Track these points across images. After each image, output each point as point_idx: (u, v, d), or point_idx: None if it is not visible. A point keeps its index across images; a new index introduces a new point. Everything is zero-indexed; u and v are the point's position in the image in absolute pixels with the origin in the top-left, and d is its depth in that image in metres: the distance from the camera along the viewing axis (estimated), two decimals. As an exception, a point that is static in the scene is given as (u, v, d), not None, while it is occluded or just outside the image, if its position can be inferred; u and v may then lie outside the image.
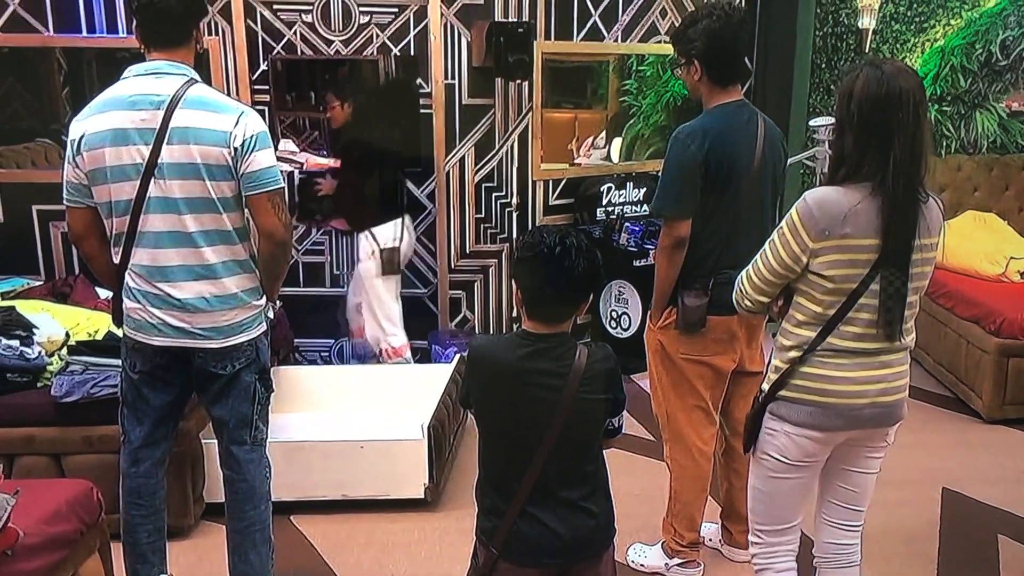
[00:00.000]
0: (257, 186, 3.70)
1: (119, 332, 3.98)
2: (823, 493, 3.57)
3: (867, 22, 8.01)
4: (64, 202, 3.80)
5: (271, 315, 4.05)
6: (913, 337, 3.31)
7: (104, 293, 5.57)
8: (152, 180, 3.62)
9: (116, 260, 3.79)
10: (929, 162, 3.13)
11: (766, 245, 3.27)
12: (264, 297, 3.95)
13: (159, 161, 3.61)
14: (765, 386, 3.38)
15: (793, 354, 3.26)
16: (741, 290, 3.40)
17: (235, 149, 3.63)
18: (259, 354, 3.97)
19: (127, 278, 3.78)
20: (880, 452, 3.47)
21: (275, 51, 6.49)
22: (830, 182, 3.15)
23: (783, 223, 3.20)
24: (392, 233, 6.34)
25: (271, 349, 4.29)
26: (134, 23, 3.74)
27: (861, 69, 3.12)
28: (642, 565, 4.69)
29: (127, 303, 3.81)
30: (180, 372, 3.92)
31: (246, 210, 3.81)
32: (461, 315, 7.04)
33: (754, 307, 3.41)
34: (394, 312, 6.48)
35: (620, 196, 7.49)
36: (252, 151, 3.66)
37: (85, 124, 3.66)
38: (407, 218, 6.50)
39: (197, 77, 3.75)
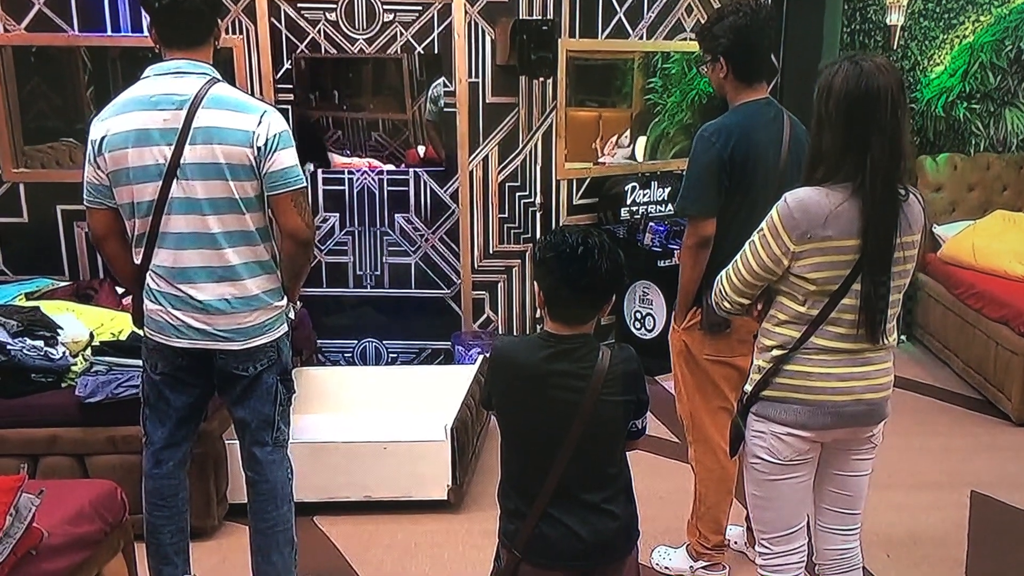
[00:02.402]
0: (280, 185, 3.68)
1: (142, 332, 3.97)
2: (817, 500, 3.53)
3: (895, 18, 7.95)
4: (84, 203, 3.80)
5: (292, 316, 4.04)
6: (896, 336, 3.29)
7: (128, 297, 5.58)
8: (175, 181, 3.61)
9: (137, 261, 3.78)
10: (909, 160, 3.10)
11: (746, 246, 3.24)
12: (286, 298, 3.94)
13: (182, 161, 3.59)
14: (748, 387, 3.36)
15: (776, 353, 3.24)
16: (720, 291, 3.37)
17: (258, 148, 3.62)
18: (281, 355, 3.96)
19: (148, 279, 3.77)
20: (867, 453, 3.42)
21: (299, 50, 6.48)
22: (807, 181, 3.11)
23: (763, 224, 3.16)
24: None
25: (293, 350, 4.28)
26: (151, 22, 3.72)
27: (840, 64, 3.07)
28: (667, 568, 4.67)
29: (148, 304, 3.80)
30: (201, 374, 3.91)
31: (268, 211, 3.79)
32: (484, 316, 7.02)
33: (733, 309, 3.38)
34: None
35: (644, 195, 7.45)
36: (275, 150, 3.64)
37: (107, 124, 3.65)
38: None
39: (219, 76, 3.74)
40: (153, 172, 3.61)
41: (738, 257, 3.27)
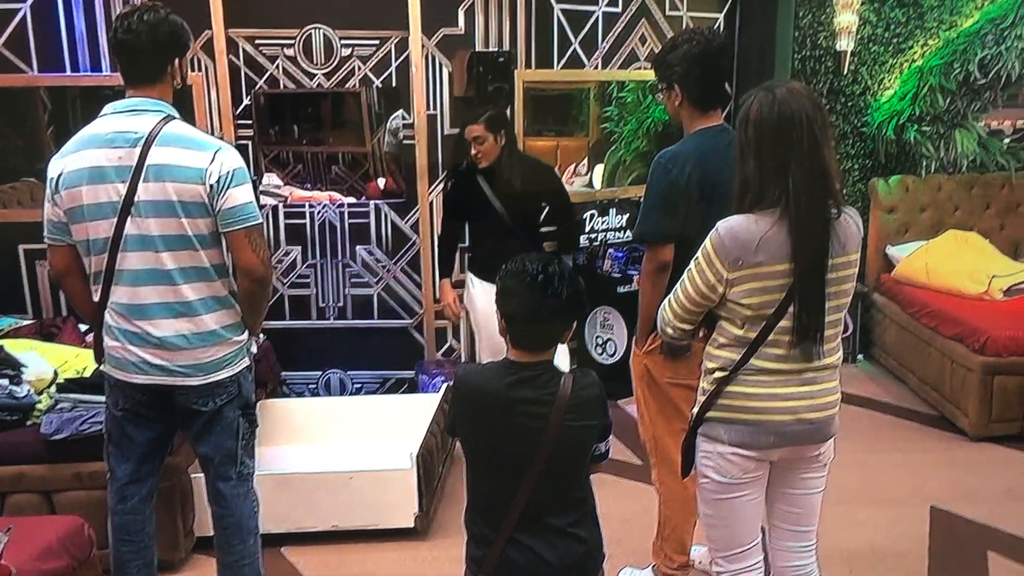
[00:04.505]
0: (234, 222, 3.69)
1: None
2: (770, 518, 3.58)
3: (845, 44, 8.05)
4: (45, 240, 3.82)
5: (254, 349, 4.05)
6: (839, 356, 3.35)
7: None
8: (129, 218, 3.63)
9: (96, 298, 3.79)
10: (836, 179, 3.16)
11: (684, 274, 3.31)
12: (246, 332, 3.96)
13: (136, 199, 3.61)
14: (695, 410, 3.42)
15: (718, 375, 3.29)
16: (663, 318, 3.44)
17: (211, 186, 3.62)
18: (241, 389, 3.97)
19: (107, 316, 3.78)
20: (816, 471, 3.46)
21: (257, 86, 6.52)
22: (738, 210, 3.17)
23: (699, 253, 3.23)
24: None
25: (257, 382, 4.29)
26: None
27: (755, 95, 3.15)
28: (633, 589, 4.71)
29: (107, 341, 3.82)
30: (163, 409, 3.92)
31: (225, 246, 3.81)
32: (447, 344, 7.04)
33: (676, 334, 3.44)
34: None
35: (603, 222, 7.50)
36: (228, 187, 3.65)
37: (63, 162, 3.68)
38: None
39: (175, 114, 3.76)
40: (107, 209, 3.63)
41: (678, 285, 3.34)
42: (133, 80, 3.73)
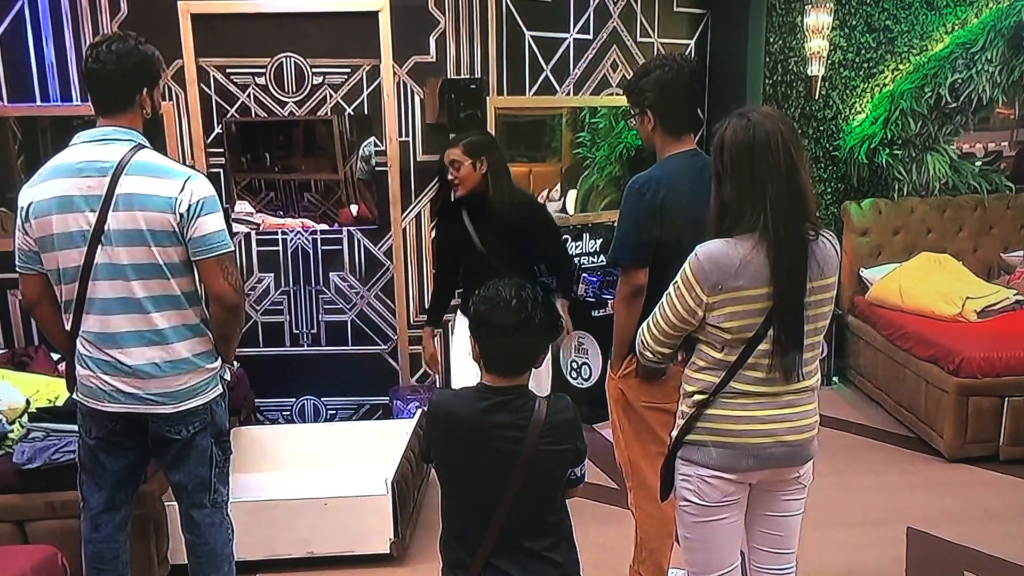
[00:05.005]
0: (205, 251, 3.69)
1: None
2: (750, 541, 3.59)
3: (816, 69, 8.10)
4: (16, 269, 3.82)
5: (228, 377, 4.04)
6: (817, 378, 3.35)
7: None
8: (99, 247, 3.63)
9: (68, 327, 3.79)
10: (811, 202, 3.18)
11: (663, 298, 3.32)
12: (219, 360, 3.95)
13: (106, 228, 3.61)
14: (674, 433, 3.42)
15: (697, 398, 3.30)
16: (643, 341, 3.45)
17: (181, 215, 3.63)
18: (215, 417, 3.96)
19: (79, 345, 3.77)
20: (796, 494, 3.47)
21: (229, 114, 6.51)
22: (717, 234, 3.18)
23: (678, 277, 3.24)
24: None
25: (231, 410, 4.27)
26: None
27: (728, 120, 3.17)
28: (610, 614, 4.70)
29: (79, 370, 3.81)
30: (136, 437, 3.91)
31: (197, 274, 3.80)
32: (422, 370, 7.02)
33: (654, 358, 3.46)
34: None
35: (577, 247, 7.53)
36: (199, 215, 3.65)
37: (33, 192, 3.67)
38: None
39: (144, 143, 3.76)
40: (77, 238, 3.63)
41: (657, 309, 3.35)
42: (103, 109, 3.74)
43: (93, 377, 3.76)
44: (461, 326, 5.58)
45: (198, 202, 3.65)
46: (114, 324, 3.69)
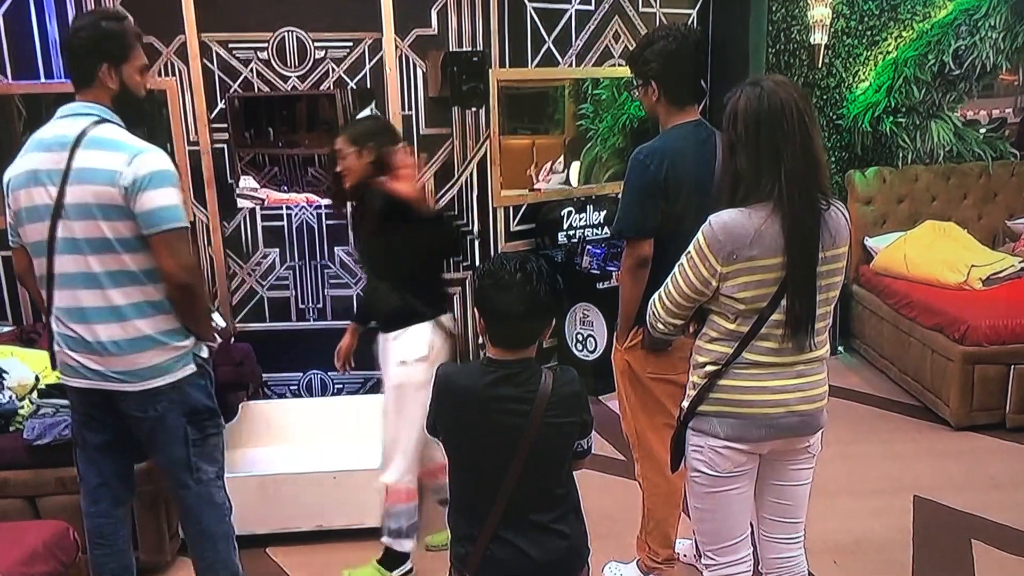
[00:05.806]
0: (151, 225, 3.58)
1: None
2: (759, 510, 3.60)
3: (819, 38, 8.07)
4: (10, 243, 3.87)
5: (204, 355, 3.93)
6: (827, 348, 3.37)
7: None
8: (60, 221, 3.61)
9: (46, 304, 3.79)
10: (825, 170, 3.19)
11: (676, 269, 3.31)
12: (191, 338, 3.86)
13: (64, 202, 3.59)
14: (685, 404, 3.42)
15: (709, 369, 3.30)
16: (654, 313, 3.44)
17: (125, 188, 3.54)
18: (187, 396, 3.85)
19: (52, 322, 3.77)
20: (805, 463, 3.49)
21: (232, 89, 6.50)
22: (730, 204, 3.18)
23: (691, 247, 3.24)
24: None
25: (239, 385, 4.26)
26: None
27: (741, 89, 3.17)
28: (618, 584, 4.72)
29: (55, 347, 3.82)
30: (113, 413, 3.86)
31: None
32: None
33: (667, 330, 3.45)
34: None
35: (581, 219, 7.51)
36: (144, 189, 3.55)
37: (13, 167, 3.71)
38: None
39: (109, 117, 3.72)
40: (43, 212, 3.62)
41: (668, 280, 3.34)
42: (74, 84, 3.77)
43: (63, 353, 3.76)
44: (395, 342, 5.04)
45: (145, 176, 3.55)
46: (81, 299, 3.67)
